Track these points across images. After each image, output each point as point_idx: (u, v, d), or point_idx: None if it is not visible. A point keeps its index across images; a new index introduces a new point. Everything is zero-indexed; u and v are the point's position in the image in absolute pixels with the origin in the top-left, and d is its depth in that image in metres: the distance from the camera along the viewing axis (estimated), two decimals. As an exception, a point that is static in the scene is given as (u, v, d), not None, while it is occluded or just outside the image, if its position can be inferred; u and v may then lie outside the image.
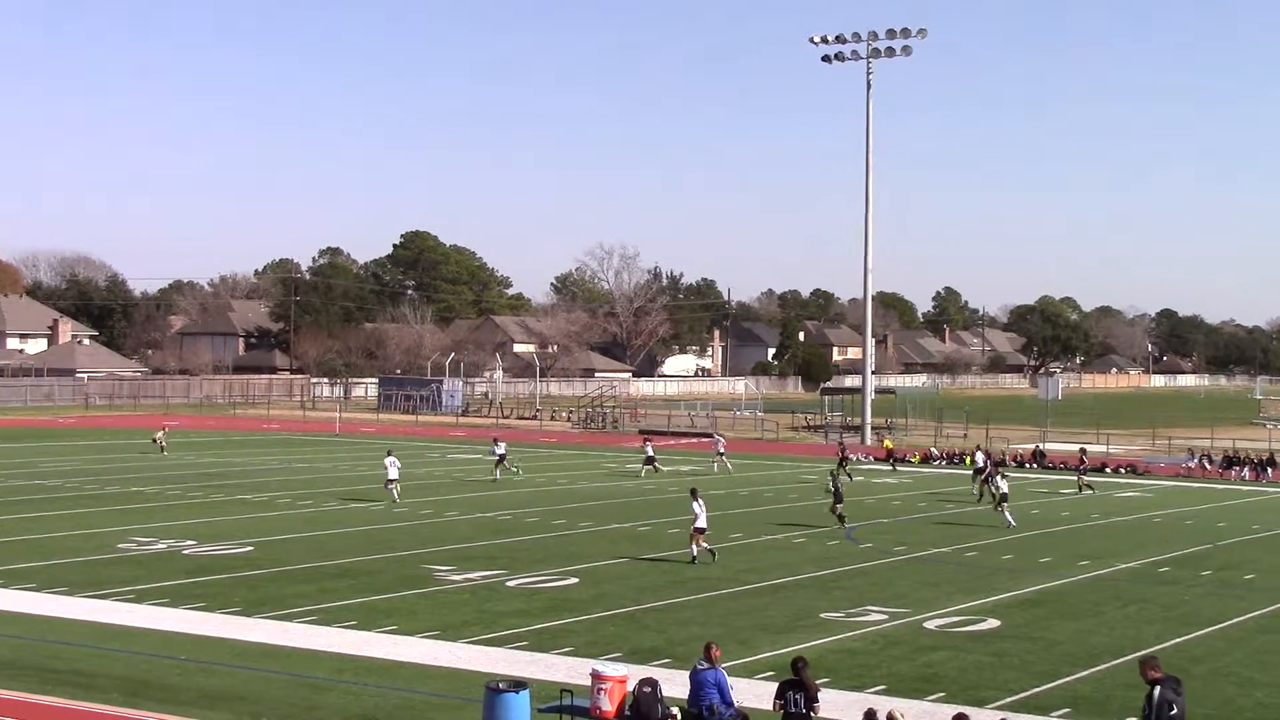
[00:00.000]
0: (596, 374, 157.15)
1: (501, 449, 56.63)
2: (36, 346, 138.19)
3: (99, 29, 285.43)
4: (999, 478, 45.91)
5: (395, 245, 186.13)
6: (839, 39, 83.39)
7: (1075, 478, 56.25)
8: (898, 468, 66.28)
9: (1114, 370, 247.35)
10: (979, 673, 23.37)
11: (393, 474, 47.36)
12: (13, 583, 30.18)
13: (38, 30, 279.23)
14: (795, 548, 38.14)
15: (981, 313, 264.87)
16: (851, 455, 65.18)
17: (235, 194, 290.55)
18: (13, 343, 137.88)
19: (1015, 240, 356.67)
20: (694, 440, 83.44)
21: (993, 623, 27.53)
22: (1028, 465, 67.42)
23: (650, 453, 59.83)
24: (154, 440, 68.26)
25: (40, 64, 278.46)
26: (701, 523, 34.62)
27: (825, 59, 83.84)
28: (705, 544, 34.77)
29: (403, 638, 25.17)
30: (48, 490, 49.46)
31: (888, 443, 71.56)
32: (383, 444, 73.33)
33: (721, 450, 63.26)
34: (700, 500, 35.26)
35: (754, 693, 20.66)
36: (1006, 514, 43.53)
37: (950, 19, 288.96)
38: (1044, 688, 22.36)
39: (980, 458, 54.53)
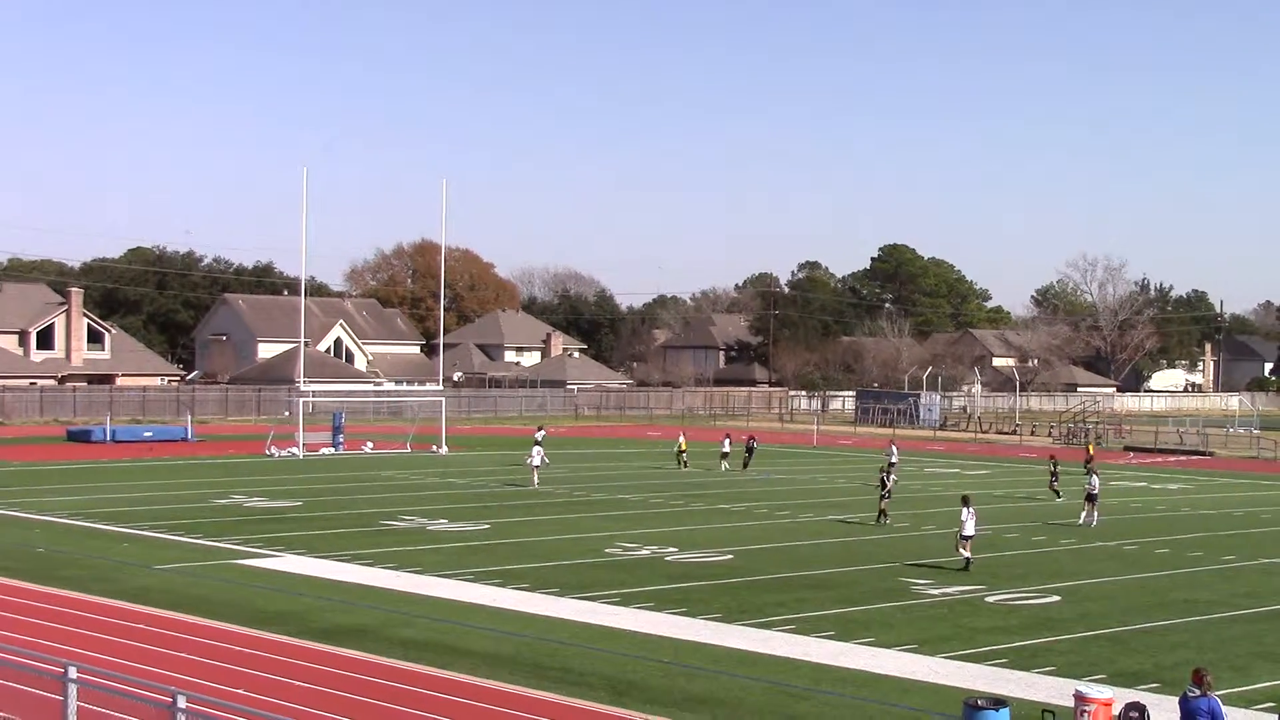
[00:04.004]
0: (1078, 388, 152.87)
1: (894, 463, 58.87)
2: (531, 359, 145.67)
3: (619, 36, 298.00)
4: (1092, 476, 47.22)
5: (873, 258, 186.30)
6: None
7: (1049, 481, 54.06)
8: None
9: None
10: None
11: (535, 461, 55.37)
12: (509, 583, 31.80)
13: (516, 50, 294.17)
14: (1296, 573, 35.96)
15: None
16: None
17: (716, 211, 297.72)
18: (510, 355, 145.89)
19: None
20: (1182, 457, 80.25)
21: None
22: None
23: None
24: (722, 454, 65.39)
25: (540, 91, 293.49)
26: (969, 530, 35.04)
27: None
28: (968, 551, 34.96)
29: (880, 650, 25.11)
30: (540, 496, 51.88)
31: (1091, 447, 70.62)
32: (859, 456, 73.55)
33: (726, 451, 62.12)
34: (971, 508, 35.52)
35: (1251, 724, 19.60)
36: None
37: None
38: None
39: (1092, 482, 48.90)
